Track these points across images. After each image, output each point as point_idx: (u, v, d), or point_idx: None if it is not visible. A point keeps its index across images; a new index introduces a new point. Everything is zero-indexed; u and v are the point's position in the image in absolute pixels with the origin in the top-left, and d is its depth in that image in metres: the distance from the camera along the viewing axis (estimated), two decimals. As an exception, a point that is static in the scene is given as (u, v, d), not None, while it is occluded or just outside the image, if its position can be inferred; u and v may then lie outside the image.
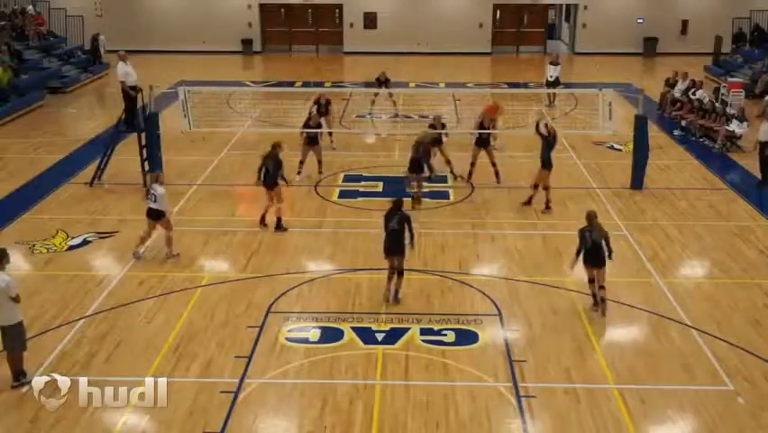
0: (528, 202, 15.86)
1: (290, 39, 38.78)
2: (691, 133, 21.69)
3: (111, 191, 16.98)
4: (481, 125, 17.39)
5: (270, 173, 14.50)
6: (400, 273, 11.87)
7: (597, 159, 19.45)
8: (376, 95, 23.37)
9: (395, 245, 11.74)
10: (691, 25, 36.68)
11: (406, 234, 11.73)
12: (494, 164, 17.33)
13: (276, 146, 14.70)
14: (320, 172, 17.87)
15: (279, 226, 14.71)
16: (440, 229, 14.85)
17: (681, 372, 10.23)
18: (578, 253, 11.51)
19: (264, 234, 14.53)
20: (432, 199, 16.42)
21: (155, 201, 13.28)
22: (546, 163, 15.38)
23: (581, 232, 11.50)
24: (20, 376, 9.72)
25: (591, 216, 11.53)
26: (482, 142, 17.25)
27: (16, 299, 9.55)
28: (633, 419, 9.22)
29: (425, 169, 16.00)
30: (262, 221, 14.85)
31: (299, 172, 17.43)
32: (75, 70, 30.31)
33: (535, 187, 15.68)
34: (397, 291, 11.90)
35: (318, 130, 17.99)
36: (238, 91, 26.91)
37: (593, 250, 11.36)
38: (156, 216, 13.40)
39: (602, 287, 11.48)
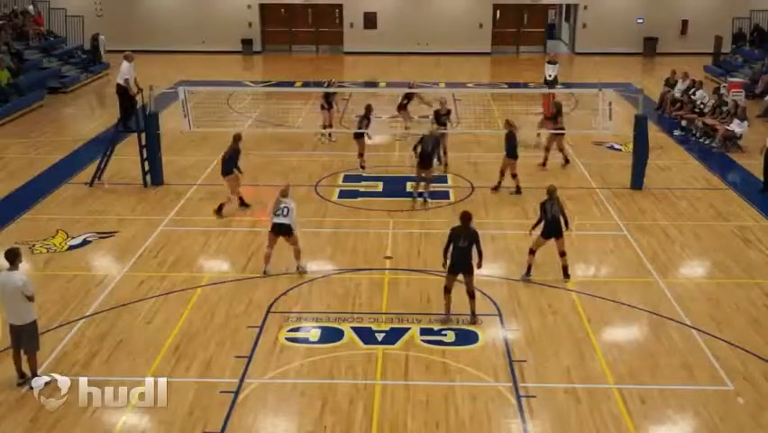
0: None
1: (290, 39, 38.74)
2: (691, 133, 21.69)
3: (111, 191, 16.98)
4: None
5: (230, 162, 15.30)
6: (471, 295, 11.22)
7: (597, 159, 19.45)
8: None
9: (463, 264, 11.11)
10: (691, 25, 36.64)
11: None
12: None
13: (237, 138, 15.46)
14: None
15: (220, 210, 15.41)
16: (440, 229, 14.80)
17: (681, 372, 10.23)
18: (537, 224, 12.73)
19: (264, 235, 14.48)
20: (432, 199, 16.40)
21: (286, 215, 12.58)
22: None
23: (542, 204, 12.65)
24: (23, 375, 9.72)
25: (552, 191, 12.64)
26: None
27: (31, 299, 9.55)
28: (633, 419, 9.22)
29: (435, 160, 16.38)
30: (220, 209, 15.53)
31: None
32: (75, 70, 30.27)
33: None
34: (473, 313, 11.30)
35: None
36: (238, 91, 26.91)
37: (552, 222, 12.49)
38: (287, 231, 12.68)
39: (563, 253, 12.65)
